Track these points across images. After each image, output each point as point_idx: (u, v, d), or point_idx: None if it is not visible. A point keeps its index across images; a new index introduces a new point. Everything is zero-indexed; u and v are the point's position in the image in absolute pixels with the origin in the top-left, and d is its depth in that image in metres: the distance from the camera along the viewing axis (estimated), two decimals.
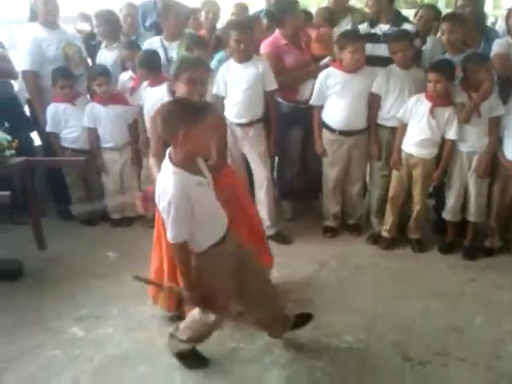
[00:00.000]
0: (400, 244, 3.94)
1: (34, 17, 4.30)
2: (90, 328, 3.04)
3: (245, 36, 3.70)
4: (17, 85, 4.43)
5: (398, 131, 3.74)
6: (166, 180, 2.17)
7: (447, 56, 3.77)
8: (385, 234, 3.95)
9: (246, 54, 3.77)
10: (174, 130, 2.14)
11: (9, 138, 3.52)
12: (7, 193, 3.08)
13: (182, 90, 2.81)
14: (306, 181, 4.44)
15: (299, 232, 4.16)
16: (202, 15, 4.69)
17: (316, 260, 3.75)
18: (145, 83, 4.01)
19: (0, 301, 3.31)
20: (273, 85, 3.84)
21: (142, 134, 4.10)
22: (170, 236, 2.22)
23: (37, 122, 4.32)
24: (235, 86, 3.79)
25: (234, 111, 3.83)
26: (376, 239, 4.02)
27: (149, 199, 2.48)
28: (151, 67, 3.92)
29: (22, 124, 4.31)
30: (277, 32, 4.05)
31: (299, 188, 4.42)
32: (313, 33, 4.11)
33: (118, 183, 4.33)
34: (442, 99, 3.55)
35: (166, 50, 4.30)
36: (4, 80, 4.28)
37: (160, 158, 2.43)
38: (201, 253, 2.32)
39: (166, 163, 2.22)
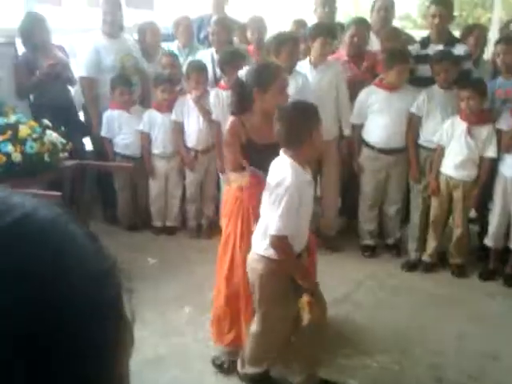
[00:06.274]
0: (440, 269, 3.88)
1: None
2: None
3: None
4: (73, 90, 4.58)
5: (435, 155, 3.69)
6: (284, 171, 2.18)
7: (500, 80, 3.70)
8: (426, 258, 3.88)
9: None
10: (306, 134, 2.18)
11: (63, 141, 3.68)
12: (58, 193, 3.20)
13: (271, 101, 2.49)
14: (350, 199, 4.42)
15: (338, 249, 4.13)
16: (248, 33, 4.76)
17: (353, 279, 3.74)
18: (190, 95, 4.11)
19: None
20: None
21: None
22: (275, 227, 2.16)
23: (90, 128, 4.47)
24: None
25: None
26: (411, 267, 3.90)
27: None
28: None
29: (77, 129, 4.43)
30: (341, 49, 4.21)
31: (344, 205, 4.44)
32: (379, 56, 4.15)
33: (163, 189, 4.42)
34: (477, 117, 3.48)
35: (214, 62, 4.39)
36: (63, 86, 4.42)
37: (240, 171, 2.54)
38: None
39: (283, 158, 2.23)
